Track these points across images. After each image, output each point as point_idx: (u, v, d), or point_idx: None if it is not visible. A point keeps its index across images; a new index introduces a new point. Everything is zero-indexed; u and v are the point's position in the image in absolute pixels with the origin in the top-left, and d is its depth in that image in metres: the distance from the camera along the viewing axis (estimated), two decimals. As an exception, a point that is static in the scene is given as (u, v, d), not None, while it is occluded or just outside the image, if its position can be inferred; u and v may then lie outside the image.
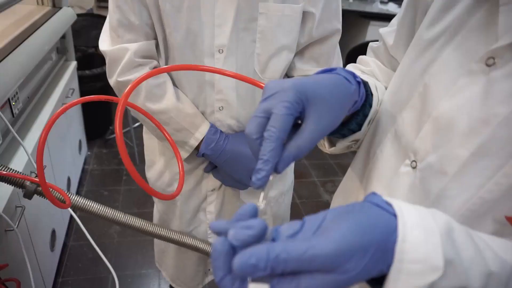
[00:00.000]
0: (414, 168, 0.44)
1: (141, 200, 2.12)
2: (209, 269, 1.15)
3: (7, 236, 1.03)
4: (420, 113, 0.44)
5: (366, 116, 0.51)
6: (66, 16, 1.75)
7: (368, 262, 0.28)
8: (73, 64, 1.92)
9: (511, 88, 0.35)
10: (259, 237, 0.29)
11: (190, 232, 1.02)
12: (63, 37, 1.82)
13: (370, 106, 0.51)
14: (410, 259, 0.28)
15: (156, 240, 1.17)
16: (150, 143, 0.99)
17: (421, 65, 0.46)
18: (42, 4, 1.69)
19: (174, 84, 0.84)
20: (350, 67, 0.65)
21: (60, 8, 1.76)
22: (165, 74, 0.83)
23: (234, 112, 0.83)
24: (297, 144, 0.36)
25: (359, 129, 0.52)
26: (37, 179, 0.74)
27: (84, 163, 2.30)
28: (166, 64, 0.83)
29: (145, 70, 0.80)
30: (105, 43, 0.82)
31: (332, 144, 0.57)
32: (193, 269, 1.10)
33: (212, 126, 0.85)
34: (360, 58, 0.65)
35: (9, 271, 0.98)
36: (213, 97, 0.82)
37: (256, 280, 0.29)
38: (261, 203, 0.36)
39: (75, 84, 1.96)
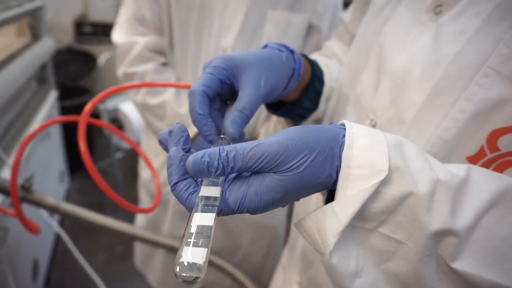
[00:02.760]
0: (374, 126, 0.44)
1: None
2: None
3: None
4: (377, 73, 0.45)
5: (319, 93, 0.52)
6: (45, 47, 1.78)
7: (314, 160, 0.29)
8: (54, 93, 1.93)
9: (458, 28, 0.37)
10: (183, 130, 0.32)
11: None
12: (44, 67, 1.84)
13: (321, 82, 0.52)
14: (356, 164, 0.30)
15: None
16: (148, 142, 1.01)
17: (375, 28, 0.48)
18: (21, 35, 1.72)
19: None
20: (313, 55, 0.67)
21: (40, 39, 1.79)
22: (170, 70, 0.87)
23: None
24: (236, 108, 0.37)
25: (316, 107, 0.53)
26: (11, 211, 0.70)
27: (68, 195, 2.25)
28: (170, 60, 0.87)
29: (152, 64, 0.84)
30: (117, 35, 0.86)
31: None
32: None
33: None
34: (324, 44, 0.68)
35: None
36: None
37: (208, 185, 0.30)
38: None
39: (56, 114, 1.96)
